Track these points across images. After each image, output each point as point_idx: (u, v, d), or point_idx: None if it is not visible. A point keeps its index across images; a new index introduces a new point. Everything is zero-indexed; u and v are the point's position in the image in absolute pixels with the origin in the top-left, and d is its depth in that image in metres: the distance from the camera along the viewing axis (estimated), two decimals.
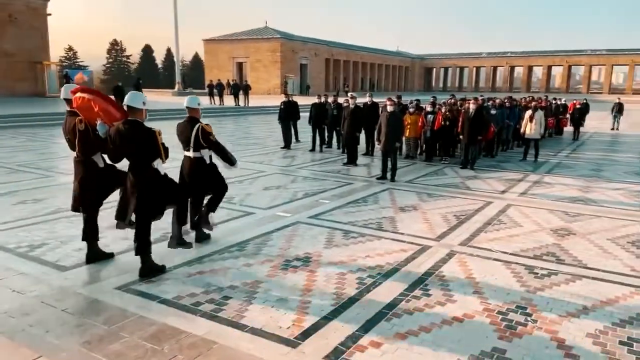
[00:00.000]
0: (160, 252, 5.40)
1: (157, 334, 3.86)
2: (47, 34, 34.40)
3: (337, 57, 65.86)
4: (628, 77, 75.33)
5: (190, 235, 5.70)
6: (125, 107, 4.86)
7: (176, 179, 5.66)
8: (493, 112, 13.94)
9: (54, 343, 3.73)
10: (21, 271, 5.05)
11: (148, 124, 4.86)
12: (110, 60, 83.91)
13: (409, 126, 12.71)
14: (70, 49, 78.63)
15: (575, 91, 78.01)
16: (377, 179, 10.38)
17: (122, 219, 5.05)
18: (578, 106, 20.64)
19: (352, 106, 12.32)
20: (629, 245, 6.39)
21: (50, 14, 34.49)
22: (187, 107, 5.79)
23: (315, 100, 15.08)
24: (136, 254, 4.97)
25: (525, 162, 13.34)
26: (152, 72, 79.86)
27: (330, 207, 7.95)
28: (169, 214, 5.23)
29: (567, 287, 4.96)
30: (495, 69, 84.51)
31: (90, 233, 5.31)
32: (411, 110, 13.05)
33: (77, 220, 6.30)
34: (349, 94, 13.60)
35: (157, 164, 4.86)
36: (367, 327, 4.03)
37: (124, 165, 5.04)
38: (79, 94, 4.93)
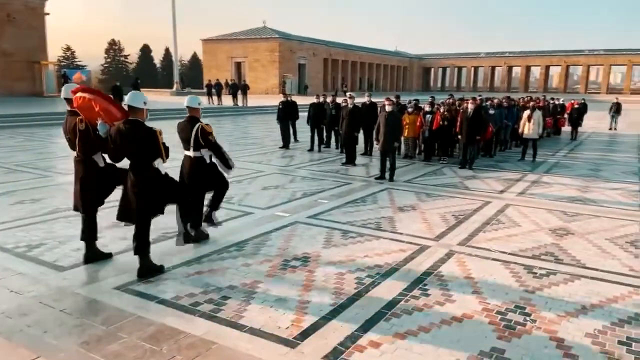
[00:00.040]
0: (158, 252, 5.40)
1: (155, 335, 3.85)
2: (45, 34, 34.32)
3: (336, 57, 65.83)
4: (626, 77, 75.54)
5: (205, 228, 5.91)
6: (126, 107, 4.87)
7: (176, 178, 5.67)
8: (491, 112, 13.96)
9: (52, 343, 3.72)
10: (19, 271, 5.04)
11: (147, 124, 4.86)
12: (109, 60, 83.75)
13: (407, 126, 12.70)
14: (68, 48, 78.46)
15: (573, 91, 78.23)
16: (376, 178, 10.38)
17: (123, 219, 5.04)
18: (576, 106, 20.67)
19: (350, 106, 12.32)
20: (627, 245, 6.40)
21: (48, 14, 34.42)
22: (187, 107, 5.80)
23: (313, 100, 15.07)
24: (135, 254, 4.96)
25: (523, 162, 13.35)
26: (150, 71, 79.71)
27: (328, 207, 7.94)
28: (168, 214, 5.22)
29: (565, 287, 4.96)
30: (493, 69, 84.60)
31: (89, 233, 5.30)
32: (410, 110, 13.06)
33: (75, 220, 6.29)
34: (347, 94, 13.59)
35: (158, 163, 4.87)
36: (366, 327, 4.02)
37: (123, 165, 5.04)
38: (79, 94, 4.94)
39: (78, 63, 75.59)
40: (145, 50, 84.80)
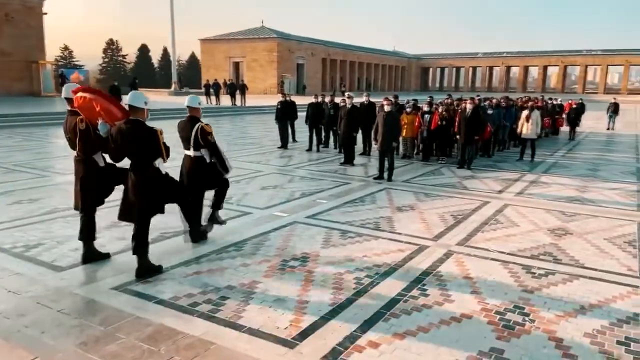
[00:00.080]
0: (157, 252, 5.39)
1: (153, 335, 3.84)
2: (43, 33, 34.22)
3: (334, 56, 65.82)
4: (623, 77, 75.74)
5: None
6: (127, 107, 4.87)
7: (176, 177, 5.66)
8: (490, 111, 13.97)
9: (49, 344, 3.70)
10: (17, 271, 5.02)
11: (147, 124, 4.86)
12: (106, 59, 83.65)
13: (405, 126, 12.69)
14: (66, 48, 78.36)
15: (571, 91, 78.26)
16: (374, 178, 10.38)
17: (125, 219, 5.04)
18: (574, 106, 20.71)
19: (349, 106, 12.32)
20: (625, 245, 6.40)
21: (46, 13, 34.32)
22: (187, 107, 5.81)
23: (312, 100, 15.07)
24: (133, 253, 4.95)
25: (521, 162, 13.36)
26: (148, 71, 79.63)
27: (327, 207, 7.93)
28: (168, 214, 5.20)
29: (564, 287, 4.97)
30: (491, 69, 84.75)
31: (88, 233, 5.28)
32: (408, 110, 13.06)
33: (73, 220, 6.28)
34: (345, 94, 13.59)
35: (159, 163, 4.88)
36: (365, 327, 4.02)
37: (124, 165, 5.03)
38: (80, 94, 4.95)
39: (76, 63, 75.49)
40: (143, 50, 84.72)
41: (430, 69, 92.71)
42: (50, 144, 15.13)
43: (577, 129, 20.73)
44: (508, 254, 5.93)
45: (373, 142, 10.77)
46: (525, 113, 13.43)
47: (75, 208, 5.36)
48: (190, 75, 74.71)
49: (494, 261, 5.65)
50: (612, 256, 5.94)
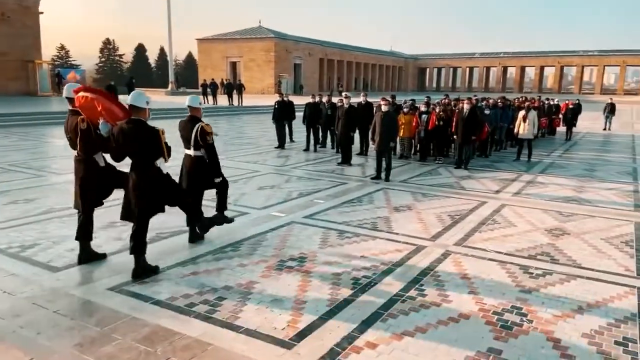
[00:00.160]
0: (154, 252, 5.37)
1: (150, 336, 3.81)
2: (39, 33, 34.10)
3: (331, 57, 65.86)
4: (619, 77, 75.95)
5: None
6: (128, 107, 4.85)
7: (177, 177, 5.64)
8: (487, 112, 13.98)
9: (45, 345, 3.67)
10: (12, 272, 4.99)
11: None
12: (103, 59, 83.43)
13: (403, 126, 12.68)
14: (62, 47, 78.13)
15: (568, 92, 78.60)
16: (372, 178, 10.37)
17: (127, 218, 5.01)
18: (570, 106, 20.75)
19: (346, 106, 12.31)
20: (622, 245, 6.41)
21: (42, 13, 34.20)
22: (188, 107, 5.81)
23: (309, 100, 15.05)
24: (131, 253, 4.93)
25: (518, 162, 13.38)
26: (145, 71, 79.46)
27: (324, 207, 7.92)
28: (168, 214, 5.18)
29: (562, 287, 4.97)
30: (488, 69, 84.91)
31: (85, 233, 5.25)
32: (405, 110, 13.06)
33: (69, 220, 6.25)
34: (343, 94, 13.58)
35: (160, 162, 4.87)
36: (362, 327, 4.01)
37: (124, 164, 5.00)
38: (81, 93, 4.94)
39: (72, 62, 75.31)
40: (140, 50, 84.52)
41: (427, 69, 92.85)
42: (47, 143, 15.07)
43: (574, 129, 20.78)
44: (505, 254, 5.92)
45: (370, 142, 10.77)
46: (522, 113, 13.45)
47: (76, 207, 5.33)
48: (187, 75, 74.72)
49: (491, 261, 5.65)
50: (610, 256, 5.95)
